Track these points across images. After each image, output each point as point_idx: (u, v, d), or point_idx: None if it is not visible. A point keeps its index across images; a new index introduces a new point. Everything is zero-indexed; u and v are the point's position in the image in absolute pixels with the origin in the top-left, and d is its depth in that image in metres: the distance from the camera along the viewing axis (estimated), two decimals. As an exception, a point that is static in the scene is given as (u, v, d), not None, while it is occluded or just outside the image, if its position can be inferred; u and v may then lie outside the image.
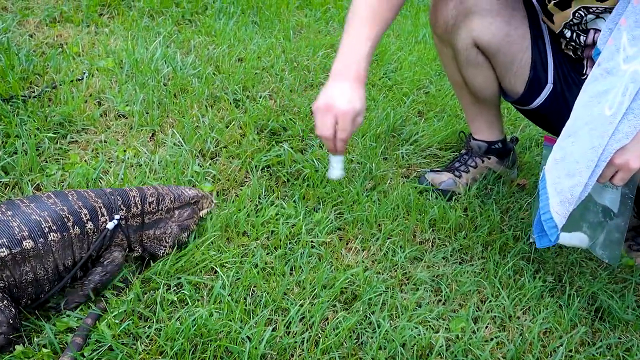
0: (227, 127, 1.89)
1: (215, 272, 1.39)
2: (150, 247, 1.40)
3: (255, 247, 1.49)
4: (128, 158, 1.66)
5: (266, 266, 1.44)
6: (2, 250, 1.09)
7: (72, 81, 1.90)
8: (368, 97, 2.22)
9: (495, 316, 1.45)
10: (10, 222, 1.13)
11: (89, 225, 1.25)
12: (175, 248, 1.42)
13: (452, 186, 1.89)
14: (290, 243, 1.53)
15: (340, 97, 1.37)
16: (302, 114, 2.02)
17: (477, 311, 1.45)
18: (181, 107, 1.91)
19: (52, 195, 1.23)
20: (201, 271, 1.39)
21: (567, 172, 1.35)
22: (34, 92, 1.83)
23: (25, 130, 1.65)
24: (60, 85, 1.85)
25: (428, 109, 2.30)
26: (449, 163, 1.99)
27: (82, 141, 1.72)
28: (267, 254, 1.49)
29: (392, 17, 1.50)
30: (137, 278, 1.33)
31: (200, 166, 1.72)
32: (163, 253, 1.41)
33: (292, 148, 1.87)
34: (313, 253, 1.52)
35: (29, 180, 1.51)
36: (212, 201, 1.56)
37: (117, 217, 1.29)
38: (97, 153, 1.68)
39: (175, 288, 1.34)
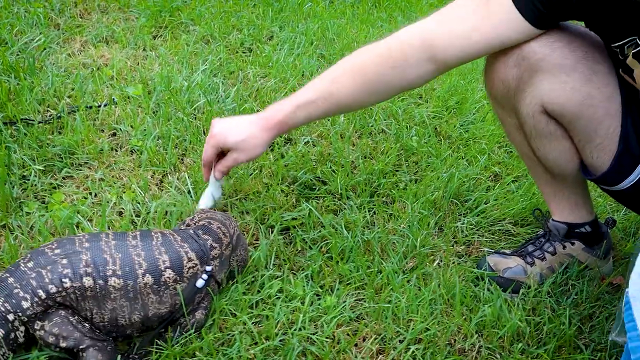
0: (251, 175, 1.61)
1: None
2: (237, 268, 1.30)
3: (237, 334, 1.17)
4: (115, 203, 1.42)
5: (244, 364, 1.13)
6: (65, 280, 1.02)
7: (90, 107, 1.71)
8: (433, 153, 1.86)
9: None
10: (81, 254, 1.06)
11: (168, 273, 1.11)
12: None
13: (520, 276, 1.48)
14: (285, 334, 1.21)
15: (228, 125, 1.32)
16: (346, 166, 1.69)
17: None
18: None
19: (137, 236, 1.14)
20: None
21: None
22: (51, 116, 1.65)
23: (15, 159, 1.46)
24: (75, 111, 1.66)
25: (507, 172, 1.89)
26: (521, 245, 1.58)
27: (80, 177, 1.50)
28: (251, 345, 1.17)
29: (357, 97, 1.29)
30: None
31: (205, 220, 1.44)
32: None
33: (322, 207, 1.55)
34: (310, 351, 1.18)
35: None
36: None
37: (209, 268, 1.17)
38: (90, 193, 1.46)
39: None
